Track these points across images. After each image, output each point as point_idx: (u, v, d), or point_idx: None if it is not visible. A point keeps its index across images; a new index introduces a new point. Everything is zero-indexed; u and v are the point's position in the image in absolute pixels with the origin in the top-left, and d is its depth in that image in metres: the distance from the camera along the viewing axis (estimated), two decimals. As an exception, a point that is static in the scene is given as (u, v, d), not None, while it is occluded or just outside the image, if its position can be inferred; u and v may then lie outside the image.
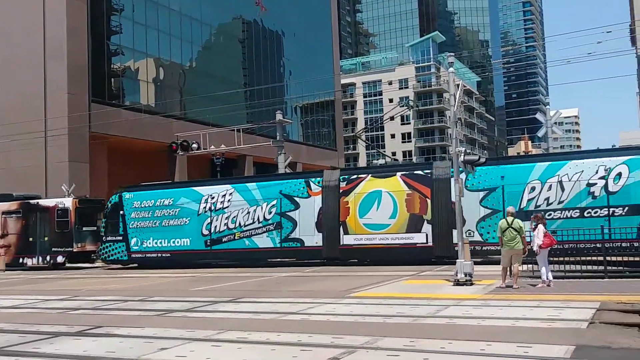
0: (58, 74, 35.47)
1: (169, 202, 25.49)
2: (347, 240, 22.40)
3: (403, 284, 15.48)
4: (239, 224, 24.18)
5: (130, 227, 26.16)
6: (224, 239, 24.42)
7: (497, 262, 15.10)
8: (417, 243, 21.33)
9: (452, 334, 8.44)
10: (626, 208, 18.42)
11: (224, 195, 24.57)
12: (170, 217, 25.32)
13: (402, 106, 61.69)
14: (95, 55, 37.66)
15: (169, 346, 8.35)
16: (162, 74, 44.83)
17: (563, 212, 19.19)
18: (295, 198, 23.37)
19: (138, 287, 18.16)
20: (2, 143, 35.47)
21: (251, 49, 54.45)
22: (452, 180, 17.96)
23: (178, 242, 25.14)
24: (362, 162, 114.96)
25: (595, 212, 18.71)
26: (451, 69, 16.23)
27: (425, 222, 21.35)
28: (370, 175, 22.84)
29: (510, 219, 13.85)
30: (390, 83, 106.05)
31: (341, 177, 23.09)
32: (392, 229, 21.71)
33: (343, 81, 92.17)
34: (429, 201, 21.33)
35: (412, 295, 12.83)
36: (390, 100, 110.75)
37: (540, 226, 13.78)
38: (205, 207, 24.74)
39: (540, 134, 19.82)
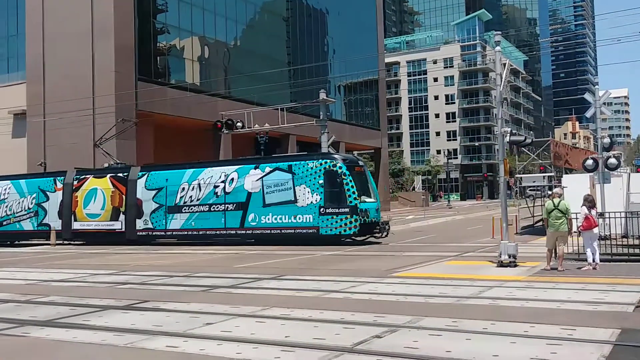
0: (105, 52, 36.06)
1: None
2: (75, 225, 28.73)
3: (446, 265, 15.41)
4: (13, 211, 30.47)
5: None
6: (4, 223, 30.74)
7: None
8: (116, 229, 27.62)
9: (495, 315, 8.39)
10: (234, 205, 25.06)
11: (5, 189, 30.91)
12: None
13: None
14: (141, 33, 38.13)
15: (214, 321, 8.52)
16: (207, 52, 45.16)
17: (199, 206, 25.80)
18: (47, 192, 29.58)
19: (184, 263, 18.54)
20: (52, 121, 36.43)
21: (295, 28, 54.34)
22: (139, 181, 27.09)
23: None
24: (405, 142, 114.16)
25: (217, 208, 25.44)
26: (497, 48, 15.90)
27: (121, 213, 27.59)
28: (92, 176, 28.84)
29: (556, 200, 13.60)
30: (435, 62, 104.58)
31: (75, 177, 29.12)
32: (102, 218, 28.04)
33: (387, 60, 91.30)
34: (124, 197, 27.57)
35: (454, 276, 12.77)
36: (435, 80, 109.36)
37: (584, 208, 13.51)
38: None
39: (588, 114, 19.36)
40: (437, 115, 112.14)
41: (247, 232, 24.99)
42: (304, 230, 23.70)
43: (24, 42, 39.76)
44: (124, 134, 35.56)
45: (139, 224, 27.03)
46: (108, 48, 35.93)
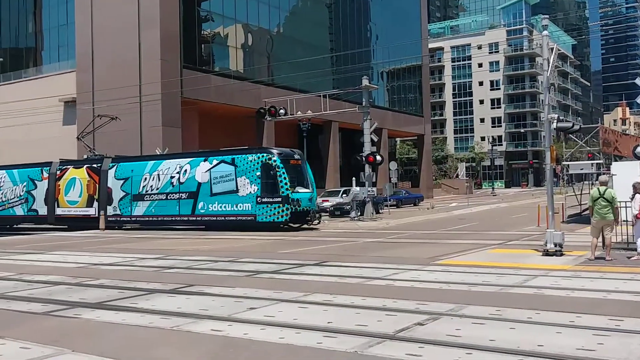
0: (151, 41, 36.62)
1: None
2: (58, 211, 31.48)
3: (489, 253, 15.26)
4: (7, 198, 33.61)
5: None
6: (0, 208, 33.86)
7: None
8: (91, 214, 30.14)
9: (540, 305, 8.29)
10: (186, 194, 27.31)
11: (0, 178, 33.94)
12: None
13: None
14: (186, 21, 38.57)
15: (258, 306, 8.65)
16: (251, 39, 45.42)
17: (158, 195, 28.23)
18: (35, 181, 32.36)
19: (228, 248, 18.81)
20: (100, 108, 37.25)
21: (338, 14, 54.12)
22: (109, 172, 29.71)
23: None
24: (449, 128, 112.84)
25: (173, 196, 27.74)
26: (545, 32, 15.55)
27: (95, 200, 30.23)
28: (72, 166, 31.37)
29: (602, 188, 13.30)
30: (479, 47, 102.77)
31: (58, 167, 31.74)
32: (80, 205, 30.70)
33: (431, 45, 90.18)
34: (97, 186, 30.17)
35: (498, 264, 12.64)
36: (480, 65, 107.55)
37: (638, 196, 13.16)
38: None
39: (639, 100, 18.77)
40: (481, 102, 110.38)
41: (198, 219, 27.23)
42: (244, 218, 25.90)
43: (73, 31, 40.70)
44: (171, 121, 36.19)
45: (109, 210, 29.67)
46: (154, 37, 36.48)
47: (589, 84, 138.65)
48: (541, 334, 6.66)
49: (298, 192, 25.67)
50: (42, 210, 31.84)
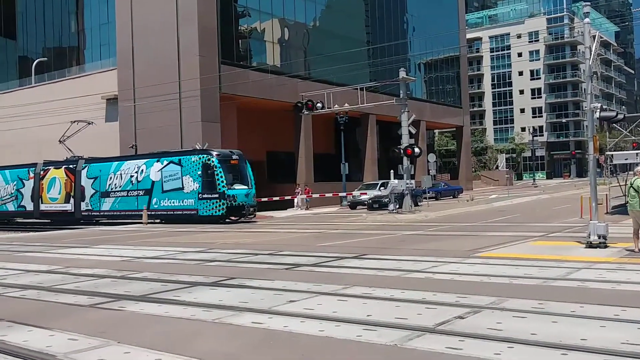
0: (189, 37, 37.03)
1: None
2: (42, 207, 35.38)
3: (531, 245, 15.04)
4: (1, 196, 37.56)
5: None
6: None
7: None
8: (68, 210, 33.84)
9: (583, 298, 8.16)
10: (143, 191, 30.71)
11: None
12: None
13: None
14: (223, 17, 38.87)
15: (297, 299, 8.72)
16: (287, 34, 45.53)
17: (121, 192, 31.62)
18: (24, 180, 36.36)
19: (268, 241, 18.97)
20: (141, 105, 37.91)
21: (374, 6, 53.80)
22: (82, 171, 33.35)
23: None
24: (488, 119, 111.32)
25: (133, 193, 31.06)
26: (586, 20, 15.20)
27: (71, 197, 33.79)
28: (53, 167, 34.96)
29: (635, 178, 13.13)
30: (519, 36, 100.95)
31: (42, 168, 35.55)
32: (59, 201, 34.45)
33: (469, 36, 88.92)
34: (73, 184, 33.67)
35: (540, 257, 12.46)
36: (519, 55, 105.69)
37: None
38: None
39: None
40: (521, 92, 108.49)
41: (152, 213, 30.39)
42: (189, 212, 29.00)
43: (114, 30, 41.41)
44: (210, 117, 36.60)
45: (83, 205, 33.33)
46: (192, 33, 36.87)
47: (633, 71, 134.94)
48: (585, 328, 6.56)
49: (234, 188, 28.48)
50: (30, 206, 35.87)
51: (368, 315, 7.42)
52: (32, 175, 35.97)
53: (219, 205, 28.24)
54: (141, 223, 29.89)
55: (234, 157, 29.56)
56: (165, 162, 30.16)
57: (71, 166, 34.34)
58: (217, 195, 28.24)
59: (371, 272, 11.33)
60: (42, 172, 35.59)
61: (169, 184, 29.84)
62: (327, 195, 40.06)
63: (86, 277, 11.93)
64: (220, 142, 37.28)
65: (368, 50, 51.56)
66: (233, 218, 29.01)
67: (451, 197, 47.48)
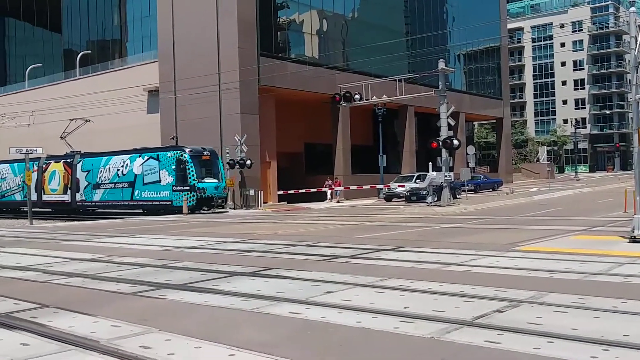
0: (229, 29, 37.29)
1: None
2: (44, 197, 38.78)
3: (572, 239, 14.78)
4: (10, 187, 41.22)
5: None
6: (6, 195, 42.23)
7: None
8: (65, 200, 37.01)
9: (626, 293, 7.99)
10: (127, 183, 33.63)
11: (5, 170, 41.98)
12: None
13: None
14: (262, 9, 39.01)
15: (335, 290, 8.76)
16: (326, 25, 45.49)
17: (109, 184, 34.56)
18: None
19: (305, 232, 19.07)
20: (181, 97, 38.40)
21: (413, -4, 53.35)
22: (78, 165, 36.39)
23: None
24: (529, 111, 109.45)
25: (119, 185, 33.89)
26: (632, 9, 14.81)
27: (69, 188, 36.93)
28: (53, 161, 38.07)
29: None
30: (562, 26, 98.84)
31: (44, 162, 38.68)
32: (58, 192, 37.64)
33: (510, 26, 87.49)
34: (70, 177, 36.64)
35: (582, 251, 12.24)
36: (562, 45, 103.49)
37: None
38: None
39: None
40: (563, 83, 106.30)
41: (134, 203, 33.45)
42: (165, 203, 31.84)
43: (156, 22, 41.97)
44: (248, 109, 36.87)
45: (78, 196, 36.24)
46: (232, 25, 37.13)
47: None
48: (627, 324, 6.44)
49: (205, 182, 31.25)
50: (34, 197, 37.47)
51: (405, 308, 7.41)
52: (36, 168, 38.37)
53: (190, 197, 31.00)
54: (126, 214, 32.51)
55: (205, 153, 32.09)
56: (145, 157, 33.11)
57: (68, 160, 37.35)
58: (188, 188, 31.02)
59: (409, 264, 11.31)
60: (44, 166, 38.86)
61: (149, 177, 32.76)
62: (364, 187, 40.02)
63: (128, 266, 12.21)
64: (259, 134, 37.56)
65: (407, 41, 51.16)
66: (205, 209, 31.88)
67: (490, 190, 46.93)
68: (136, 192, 33.18)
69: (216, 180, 32.08)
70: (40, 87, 50.51)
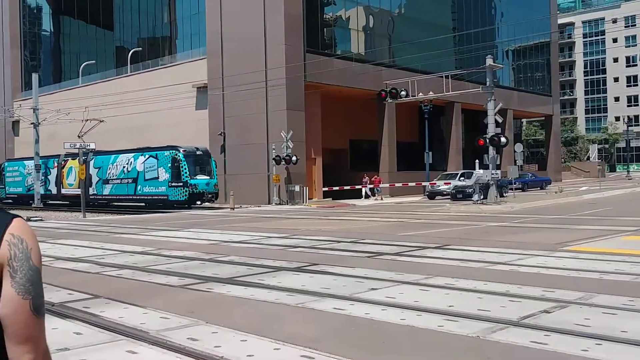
0: (276, 26, 37.54)
1: (16, 168, 47.32)
2: (63, 191, 42.25)
3: (623, 240, 14.43)
4: (32, 181, 43.37)
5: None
6: (30, 188, 44.05)
7: None
8: (80, 194, 36.26)
9: (679, 297, 7.78)
10: (131, 179, 36.66)
11: (30, 166, 44.26)
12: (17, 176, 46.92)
13: None
14: (309, 6, 39.12)
15: (379, 287, 8.79)
16: (372, 22, 45.34)
17: (116, 180, 37.75)
18: (50, 169, 43.39)
19: (350, 229, 19.11)
20: (229, 93, 38.87)
21: (461, -8, 52.68)
22: (90, 162, 38.91)
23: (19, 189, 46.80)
24: (580, 108, 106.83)
25: (124, 181, 37.14)
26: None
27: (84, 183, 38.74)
28: (71, 158, 40.08)
29: None
30: (614, 21, 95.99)
31: (63, 159, 41.89)
32: (74, 186, 39.79)
33: (560, 21, 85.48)
34: (84, 172, 37.45)
35: (633, 252, 11.93)
36: (614, 40, 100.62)
37: None
38: (24, 173, 46.01)
39: None
40: (616, 79, 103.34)
41: (137, 197, 36.50)
42: (162, 197, 34.73)
43: (204, 19, 42.57)
44: (294, 105, 37.09)
45: (90, 190, 38.76)
46: (278, 22, 37.37)
47: None
48: (680, 328, 6.28)
49: (197, 178, 33.81)
50: (54, 190, 42.67)
51: (450, 306, 7.39)
52: (56, 164, 42.73)
53: (183, 192, 33.74)
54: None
55: (198, 152, 34.99)
56: (147, 156, 36.16)
57: (84, 157, 39.25)
58: (181, 184, 33.81)
59: (454, 262, 11.24)
60: (63, 162, 42.30)
61: (149, 174, 35.82)
62: (409, 184, 39.80)
63: (177, 259, 12.48)
64: (305, 130, 37.73)
65: (454, 37, 50.57)
66: (199, 203, 34.88)
67: (538, 188, 46.06)
68: (139, 187, 36.34)
69: (208, 177, 34.62)
70: (93, 84, 51.79)
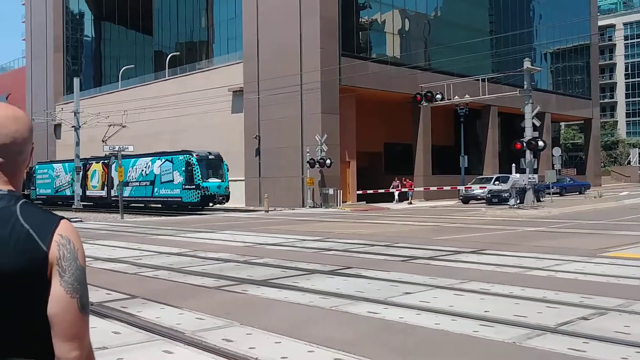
0: (311, 30, 37.66)
1: (45, 171, 49.64)
2: (87, 193, 43.99)
3: (665, 247, 14.06)
4: (62, 183, 47.11)
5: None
6: (59, 190, 47.61)
7: None
8: (103, 195, 42.26)
9: None
10: (149, 182, 38.37)
11: (59, 168, 47.66)
12: (46, 179, 49.36)
13: None
14: (344, 9, 39.17)
15: (413, 291, 8.74)
16: (408, 25, 45.16)
17: (135, 182, 39.60)
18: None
19: (384, 232, 19.05)
20: (264, 97, 39.14)
21: (498, -6, 52.09)
22: (112, 165, 40.36)
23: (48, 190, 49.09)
24: (620, 111, 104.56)
25: (143, 183, 38.98)
26: None
27: (105, 185, 42.18)
28: (94, 162, 43.49)
29: None
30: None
31: (88, 162, 44.25)
32: (98, 188, 42.94)
33: (600, 23, 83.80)
34: (107, 176, 42.00)
35: (676, 260, 11.63)
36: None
37: None
38: (53, 175, 48.62)
39: None
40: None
41: (154, 199, 38.42)
42: (177, 199, 36.59)
43: (241, 24, 42.96)
44: (329, 109, 37.15)
45: (112, 192, 40.78)
46: (314, 25, 37.49)
47: None
48: None
49: (208, 181, 35.40)
50: (79, 192, 44.08)
51: (485, 311, 7.31)
52: (80, 168, 44.66)
53: (196, 194, 35.33)
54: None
55: (210, 157, 36.43)
56: (163, 160, 38.00)
57: (105, 161, 42.43)
58: (194, 187, 35.39)
59: (489, 267, 11.11)
60: (87, 166, 44.45)
61: (165, 177, 37.62)
62: (445, 188, 39.48)
63: (212, 261, 12.61)
64: (339, 133, 37.74)
65: (491, 40, 50.02)
66: (211, 205, 36.18)
67: (577, 193, 45.22)
68: (155, 190, 38.15)
69: (219, 180, 36.06)
70: (132, 88, 52.73)
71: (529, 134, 29.08)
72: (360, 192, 39.86)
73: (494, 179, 38.10)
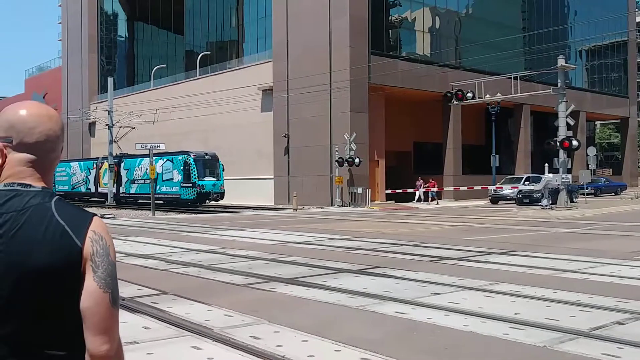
0: (341, 28, 37.58)
1: (63, 169, 51.41)
2: (100, 189, 46.15)
3: None
4: (78, 180, 50.16)
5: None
6: (75, 187, 50.44)
7: None
8: (113, 192, 42.69)
9: None
10: (158, 181, 38.86)
11: (75, 167, 50.93)
12: (64, 176, 51.53)
13: None
14: (374, 7, 38.98)
15: (442, 292, 8.66)
16: (438, 22, 44.77)
17: (140, 180, 41.74)
18: (90, 170, 48.51)
19: (413, 232, 18.93)
20: (294, 96, 39.21)
21: (532, -9, 51.32)
22: (121, 164, 43.85)
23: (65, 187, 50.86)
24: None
25: (146, 181, 38.84)
26: None
27: (115, 182, 43.17)
28: (106, 161, 43.58)
29: None
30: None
31: (100, 161, 46.67)
32: (109, 185, 42.82)
33: (639, 19, 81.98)
34: (116, 173, 43.84)
35: None
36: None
37: None
38: (70, 173, 51.50)
39: None
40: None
41: (156, 196, 38.13)
42: (176, 196, 39.03)
43: (271, 23, 43.09)
44: (358, 107, 37.06)
45: (121, 189, 43.85)
46: (344, 24, 37.41)
47: None
48: None
49: (204, 180, 37.56)
50: (92, 189, 47.78)
51: (516, 314, 7.20)
52: (94, 166, 47.92)
53: (192, 192, 37.65)
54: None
55: (207, 157, 38.60)
56: (165, 160, 40.02)
57: (116, 160, 44.33)
58: (191, 185, 37.76)
59: (520, 269, 10.95)
60: (100, 164, 47.01)
61: (166, 175, 39.91)
62: (475, 188, 39.06)
63: (241, 258, 12.67)
64: (368, 132, 37.62)
65: (524, 37, 49.33)
66: (207, 202, 38.41)
67: (613, 194, 44.34)
68: (158, 187, 39.51)
69: (215, 179, 38.23)
70: (164, 87, 53.30)
71: (562, 133, 28.59)
72: (389, 191, 39.69)
73: (524, 179, 37.59)
